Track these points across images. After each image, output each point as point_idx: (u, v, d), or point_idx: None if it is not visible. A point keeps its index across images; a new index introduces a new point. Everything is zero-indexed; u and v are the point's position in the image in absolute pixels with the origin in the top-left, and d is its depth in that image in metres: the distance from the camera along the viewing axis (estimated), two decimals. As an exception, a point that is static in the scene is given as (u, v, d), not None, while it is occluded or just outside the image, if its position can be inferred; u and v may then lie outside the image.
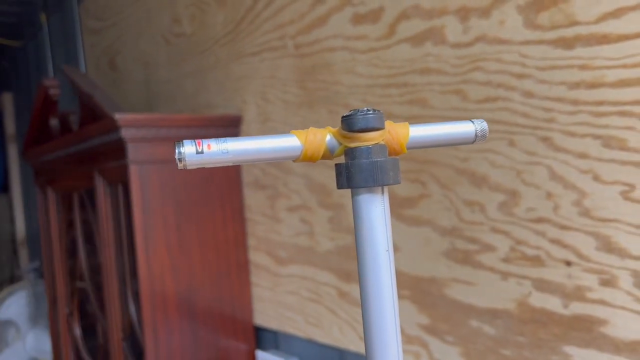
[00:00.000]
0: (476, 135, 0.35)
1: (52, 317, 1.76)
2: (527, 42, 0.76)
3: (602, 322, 0.71)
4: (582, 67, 0.71)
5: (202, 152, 0.30)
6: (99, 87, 1.29)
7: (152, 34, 1.65)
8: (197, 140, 0.31)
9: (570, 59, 0.72)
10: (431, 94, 0.89)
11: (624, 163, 0.68)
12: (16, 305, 2.36)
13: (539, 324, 0.78)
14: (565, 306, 0.75)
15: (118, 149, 1.17)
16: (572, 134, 0.72)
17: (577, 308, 0.74)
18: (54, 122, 1.52)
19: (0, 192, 3.42)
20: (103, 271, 1.32)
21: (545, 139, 0.75)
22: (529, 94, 0.76)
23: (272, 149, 0.32)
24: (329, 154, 0.34)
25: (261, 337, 1.34)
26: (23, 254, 3.27)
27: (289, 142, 0.33)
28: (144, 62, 1.72)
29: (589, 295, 0.72)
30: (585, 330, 0.73)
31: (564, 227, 0.74)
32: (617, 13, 0.67)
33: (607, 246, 0.70)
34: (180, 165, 0.31)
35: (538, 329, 0.78)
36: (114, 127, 1.13)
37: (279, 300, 1.24)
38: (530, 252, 0.78)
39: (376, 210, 0.32)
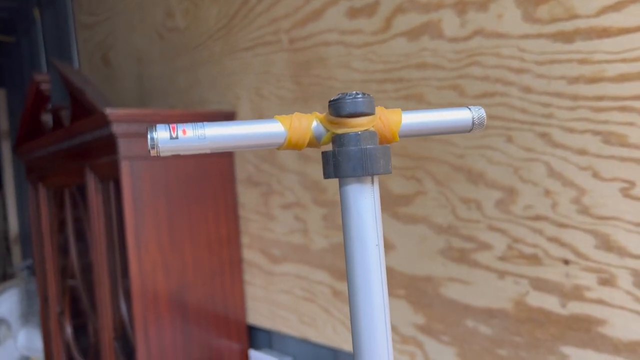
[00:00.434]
0: (473, 123, 0.33)
1: (43, 315, 1.74)
2: (525, 36, 0.74)
3: (601, 322, 0.70)
4: (582, 62, 0.69)
5: (176, 138, 0.28)
6: (90, 82, 1.27)
7: (145, 28, 1.63)
8: (171, 125, 0.29)
9: (569, 53, 0.70)
10: (428, 89, 0.87)
11: (623, 159, 0.66)
12: (8, 303, 2.33)
13: (536, 324, 0.76)
14: (563, 306, 0.73)
15: (109, 145, 1.15)
16: (571, 130, 0.71)
17: (575, 307, 0.72)
18: (45, 117, 1.50)
19: (-6, 189, 3.39)
20: (94, 269, 1.29)
21: (544, 135, 0.73)
22: (527, 89, 0.75)
23: (254, 135, 0.30)
24: (315, 142, 0.32)
25: (254, 336, 1.32)
26: (16, 251, 3.24)
27: (272, 128, 0.31)
28: (137, 57, 1.70)
29: (588, 294, 0.71)
30: (583, 330, 0.71)
31: (562, 225, 0.72)
32: (617, 6, 0.66)
33: (606, 244, 0.68)
34: (153, 152, 0.29)
35: (535, 328, 0.76)
36: (105, 122, 1.11)
37: (273, 299, 1.22)
38: (527, 250, 0.76)
39: (365, 201, 0.30)
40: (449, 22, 0.83)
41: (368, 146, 0.30)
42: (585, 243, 0.70)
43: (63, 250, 1.59)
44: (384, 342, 0.28)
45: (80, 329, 1.56)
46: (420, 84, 0.88)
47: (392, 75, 0.92)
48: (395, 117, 0.33)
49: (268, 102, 1.18)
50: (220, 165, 1.27)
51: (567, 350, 0.73)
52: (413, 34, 0.88)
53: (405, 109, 0.91)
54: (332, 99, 0.31)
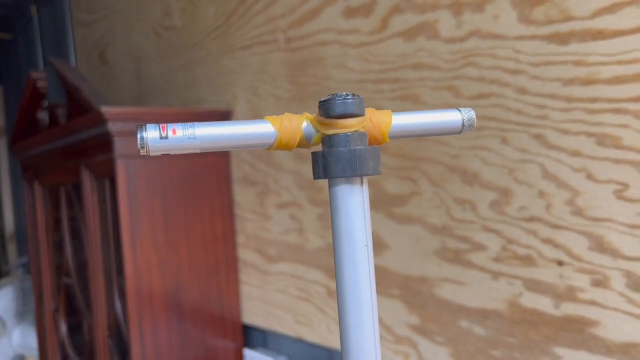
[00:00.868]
0: (463, 125, 0.33)
1: (38, 313, 1.74)
2: (521, 38, 0.74)
3: (594, 323, 0.70)
4: (577, 63, 0.69)
5: (166, 137, 0.28)
6: (86, 79, 1.26)
7: (142, 27, 1.63)
8: (161, 125, 0.29)
9: (564, 54, 0.70)
10: (423, 90, 0.87)
11: (617, 161, 0.66)
12: (3, 301, 2.32)
13: (530, 325, 0.76)
14: (557, 307, 0.73)
15: (105, 143, 1.15)
16: (566, 132, 0.71)
17: (569, 309, 0.72)
18: (41, 115, 1.50)
19: (-10, 187, 3.38)
20: (89, 267, 1.29)
21: (538, 137, 0.73)
22: (522, 90, 0.75)
23: (244, 136, 0.30)
24: (305, 142, 0.32)
25: (249, 335, 1.32)
26: (11, 249, 3.23)
27: (262, 129, 0.31)
28: (134, 55, 1.70)
29: (581, 295, 0.71)
30: (577, 331, 0.72)
31: (556, 227, 0.73)
32: (612, 8, 0.66)
33: (600, 246, 0.69)
34: (142, 152, 0.29)
35: (529, 329, 0.77)
36: (101, 120, 1.11)
37: (268, 298, 1.22)
38: (521, 251, 0.77)
39: (354, 202, 0.30)
40: (445, 22, 0.83)
41: (357, 147, 0.30)
42: (579, 244, 0.71)
43: (58, 248, 1.59)
44: (371, 341, 0.28)
45: (75, 327, 1.56)
46: (417, 85, 0.88)
47: (389, 76, 0.92)
48: (385, 118, 0.33)
49: (265, 102, 1.18)
50: (216, 164, 1.27)
51: (560, 351, 0.73)
52: (409, 34, 0.88)
53: (401, 109, 0.91)
54: (322, 99, 0.31)
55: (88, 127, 1.19)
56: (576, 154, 0.70)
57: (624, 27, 0.65)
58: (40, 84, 1.47)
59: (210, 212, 1.26)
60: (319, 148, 0.32)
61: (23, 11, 2.68)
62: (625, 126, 0.65)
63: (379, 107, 0.95)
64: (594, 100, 0.68)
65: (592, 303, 0.70)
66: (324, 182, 1.06)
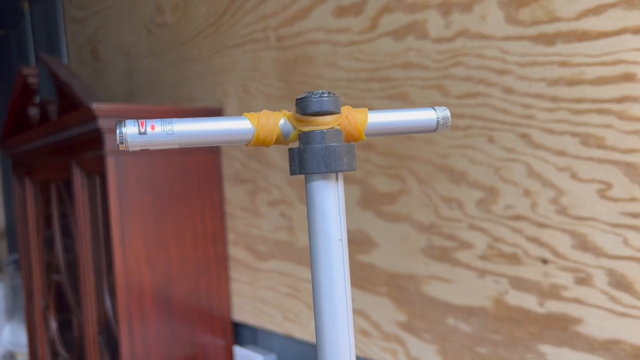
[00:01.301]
0: (438, 123, 0.34)
1: (28, 310, 1.73)
2: (508, 38, 0.75)
3: (577, 320, 0.71)
4: (562, 64, 0.70)
5: (145, 133, 0.29)
6: (77, 76, 1.26)
7: (134, 23, 1.63)
8: (140, 120, 0.29)
9: (550, 55, 0.71)
10: (412, 89, 0.88)
11: (601, 161, 0.67)
12: (-7, 298, 2.31)
13: (515, 322, 0.77)
14: (541, 304, 0.74)
15: (95, 140, 1.15)
16: (551, 131, 0.72)
17: (553, 306, 0.73)
18: (32, 111, 1.49)
19: (-19, 183, 3.36)
20: (79, 264, 1.29)
21: (524, 136, 0.74)
22: (509, 90, 0.75)
23: (222, 132, 0.31)
24: (283, 139, 0.32)
25: (239, 332, 1.32)
26: (2, 246, 3.21)
27: (239, 125, 0.31)
28: (125, 51, 1.70)
29: (564, 293, 0.72)
30: (560, 328, 0.73)
31: (541, 225, 0.74)
32: (597, 10, 0.67)
33: (583, 244, 0.70)
34: (122, 147, 0.29)
35: (514, 327, 0.77)
36: (91, 117, 1.11)
37: (258, 295, 1.23)
38: (507, 249, 0.77)
39: (329, 197, 0.30)
40: (434, 22, 0.84)
41: (332, 144, 0.30)
42: (563, 243, 0.72)
43: (49, 245, 1.59)
44: (345, 332, 0.29)
45: (65, 324, 1.56)
46: (406, 84, 0.88)
47: (378, 75, 0.93)
48: (362, 116, 0.33)
49: (255, 100, 1.18)
50: (206, 161, 1.27)
51: (545, 348, 0.74)
52: (399, 33, 0.89)
53: (391, 108, 0.91)
54: (299, 97, 0.32)
55: (79, 124, 1.18)
56: (561, 153, 0.71)
57: (607, 29, 0.66)
58: (32, 80, 1.47)
59: (201, 209, 1.26)
60: (296, 145, 0.33)
61: (15, 7, 2.67)
62: (608, 126, 0.66)
63: (368, 106, 0.95)
64: (579, 100, 0.69)
65: (576, 301, 0.71)
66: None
